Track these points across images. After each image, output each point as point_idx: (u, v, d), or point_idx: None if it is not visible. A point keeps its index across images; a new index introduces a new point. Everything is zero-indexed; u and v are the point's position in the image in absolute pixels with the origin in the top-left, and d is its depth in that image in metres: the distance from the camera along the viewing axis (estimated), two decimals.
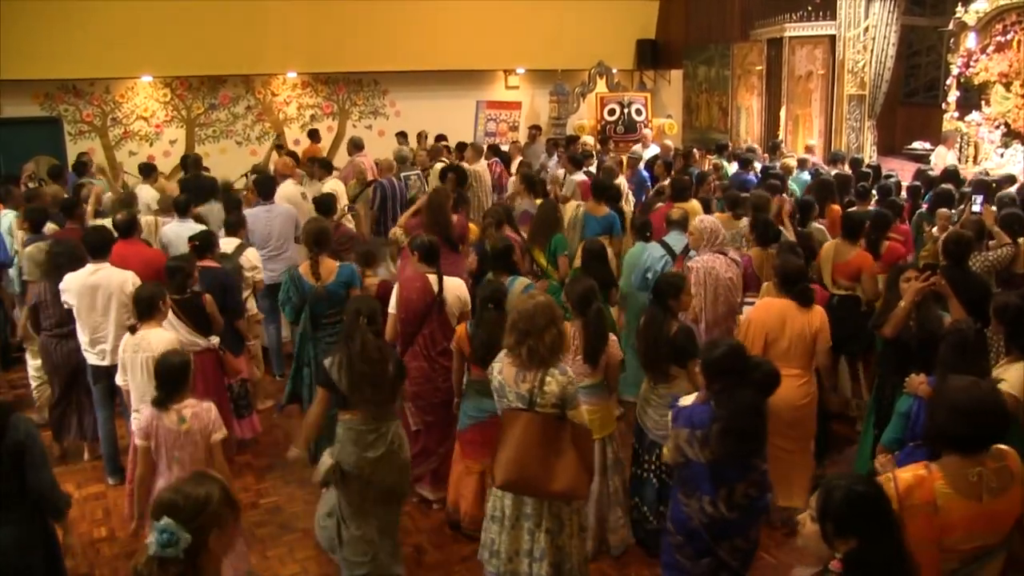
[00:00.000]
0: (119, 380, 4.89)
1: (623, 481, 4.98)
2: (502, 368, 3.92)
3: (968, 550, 2.81)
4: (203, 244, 6.16)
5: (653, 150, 12.40)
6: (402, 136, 13.48)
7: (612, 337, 4.75)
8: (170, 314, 5.23)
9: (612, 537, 4.92)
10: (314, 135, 13.57)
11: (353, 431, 4.25)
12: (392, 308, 5.32)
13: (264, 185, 7.96)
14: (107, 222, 6.82)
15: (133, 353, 4.74)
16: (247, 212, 7.63)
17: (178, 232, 7.07)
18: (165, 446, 3.99)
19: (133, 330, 4.78)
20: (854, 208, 7.84)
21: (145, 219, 7.82)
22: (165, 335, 4.74)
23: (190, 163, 10.91)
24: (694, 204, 7.77)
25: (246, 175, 11.13)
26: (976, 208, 7.56)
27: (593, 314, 4.63)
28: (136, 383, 4.76)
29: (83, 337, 5.61)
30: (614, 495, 4.89)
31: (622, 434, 5.31)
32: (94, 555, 5.08)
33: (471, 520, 5.02)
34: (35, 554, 3.62)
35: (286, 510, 5.53)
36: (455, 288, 5.42)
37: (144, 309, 4.75)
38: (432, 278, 5.36)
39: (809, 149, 11.81)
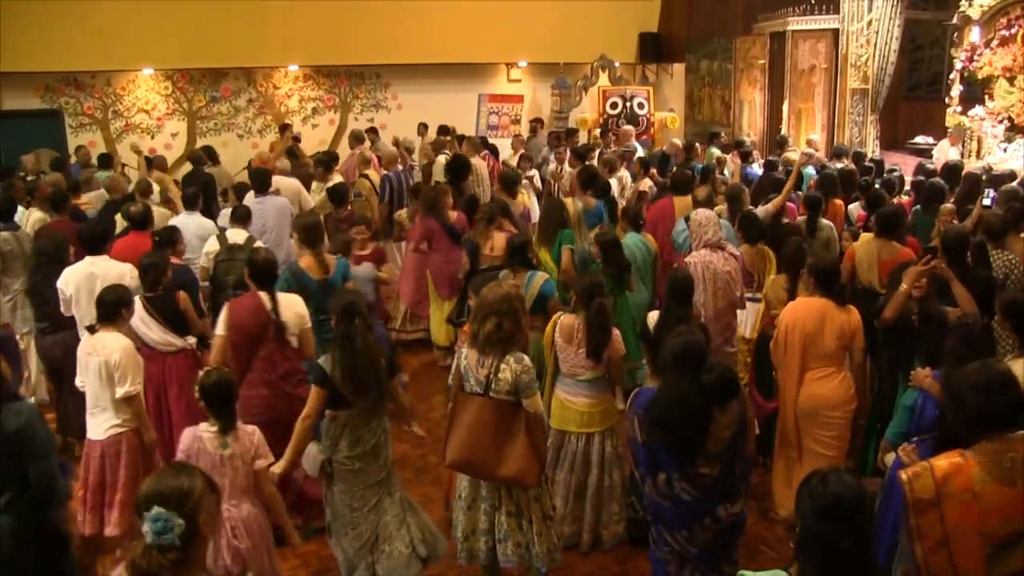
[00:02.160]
0: (77, 381, 4.69)
1: (623, 476, 4.97)
2: (467, 353, 4.05)
3: (1003, 535, 2.83)
4: (164, 240, 6.04)
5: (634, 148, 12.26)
6: (373, 132, 13.31)
7: (616, 332, 4.75)
8: (144, 313, 5.17)
9: (605, 532, 4.94)
10: (284, 130, 13.16)
11: (345, 428, 4.23)
12: (221, 330, 4.95)
13: (258, 177, 7.92)
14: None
15: (87, 356, 4.57)
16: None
17: (186, 224, 7.10)
18: (205, 471, 3.88)
19: (92, 330, 4.63)
20: (854, 204, 7.83)
21: (159, 211, 7.86)
22: (120, 340, 4.56)
23: (202, 156, 10.84)
24: (689, 200, 7.75)
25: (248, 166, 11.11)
26: (987, 202, 7.54)
27: (595, 309, 4.61)
28: (90, 387, 4.59)
29: (83, 330, 5.58)
30: (612, 490, 4.90)
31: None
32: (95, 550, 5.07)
33: None
34: (29, 546, 3.60)
35: (285, 503, 5.50)
36: (292, 306, 5.06)
37: (106, 312, 4.57)
38: (265, 297, 4.99)
39: (811, 144, 11.75)
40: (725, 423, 3.71)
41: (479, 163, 10.33)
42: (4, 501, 3.48)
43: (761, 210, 7.04)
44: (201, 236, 7.09)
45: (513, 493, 4.05)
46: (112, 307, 4.57)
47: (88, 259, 5.60)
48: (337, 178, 9.84)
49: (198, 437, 3.90)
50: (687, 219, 7.13)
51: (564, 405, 4.82)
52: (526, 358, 3.99)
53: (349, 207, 8.38)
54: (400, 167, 10.31)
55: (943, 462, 2.86)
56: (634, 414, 3.84)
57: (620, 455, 4.95)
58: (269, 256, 5.17)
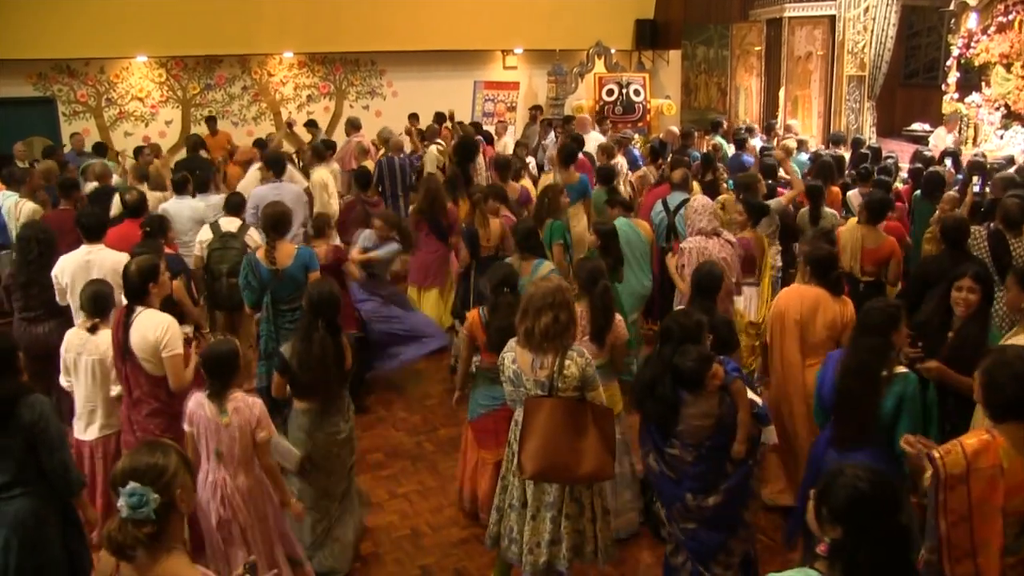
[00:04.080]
0: (63, 381, 4.61)
1: (631, 463, 4.93)
2: (515, 357, 3.91)
3: None
4: (154, 229, 5.96)
5: (595, 138, 12.18)
6: (313, 126, 13.24)
7: (619, 317, 4.70)
8: None
9: (618, 520, 4.84)
10: (211, 122, 12.94)
11: (308, 418, 4.23)
12: None
13: (275, 163, 7.87)
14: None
15: (77, 355, 4.47)
16: (256, 191, 7.59)
17: (178, 208, 7.09)
18: (205, 436, 3.88)
19: (94, 330, 4.51)
20: (853, 190, 7.82)
21: (154, 194, 7.83)
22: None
23: (190, 145, 10.86)
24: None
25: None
26: (976, 190, 7.55)
27: (599, 293, 4.57)
28: (81, 387, 4.51)
29: (77, 319, 5.55)
30: (622, 477, 4.83)
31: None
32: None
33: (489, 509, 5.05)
34: (51, 526, 3.67)
35: None
36: (146, 329, 4.36)
37: (100, 308, 4.48)
38: (122, 313, 4.49)
39: (789, 128, 11.71)
40: (696, 412, 3.71)
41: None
42: (21, 489, 3.55)
43: (774, 202, 7.02)
44: (195, 219, 7.08)
45: (575, 492, 3.95)
46: (106, 301, 4.50)
47: (85, 247, 5.57)
48: (334, 166, 9.81)
49: (200, 403, 3.90)
50: (664, 201, 7.17)
51: None
52: (586, 351, 3.92)
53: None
54: (402, 154, 10.20)
55: (972, 439, 2.93)
56: None
57: (627, 441, 4.89)
58: (140, 264, 4.53)
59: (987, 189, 7.61)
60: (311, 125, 13.19)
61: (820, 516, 2.44)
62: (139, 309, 4.44)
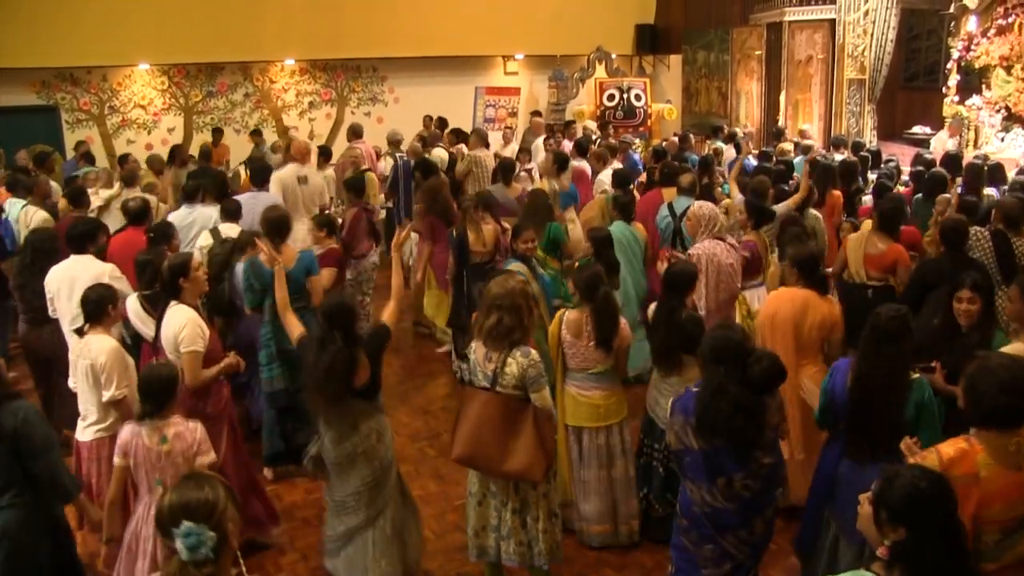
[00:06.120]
0: (70, 382, 4.61)
1: (635, 469, 4.93)
2: (475, 347, 4.09)
3: (1007, 520, 2.85)
4: (159, 236, 5.95)
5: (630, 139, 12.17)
6: (257, 134, 13.32)
7: (623, 321, 4.72)
8: (140, 311, 5.11)
9: (623, 528, 4.87)
10: (217, 134, 13.08)
11: (328, 423, 4.12)
12: None
13: (257, 172, 7.89)
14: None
15: (76, 358, 4.50)
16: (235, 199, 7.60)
17: (183, 218, 7.09)
18: (145, 467, 3.74)
19: (80, 333, 4.51)
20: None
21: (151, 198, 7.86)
22: (107, 343, 4.43)
23: (208, 150, 10.91)
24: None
25: (243, 163, 11.10)
26: (959, 191, 7.56)
27: (601, 299, 4.59)
28: (80, 389, 4.51)
29: (64, 327, 5.56)
30: (628, 483, 4.83)
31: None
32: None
33: None
34: (42, 534, 3.65)
35: (285, 499, 5.53)
36: (171, 323, 4.58)
37: (91, 311, 4.44)
38: (171, 306, 4.71)
39: (803, 133, 11.72)
40: (774, 407, 3.68)
41: (483, 155, 10.33)
42: (9, 498, 3.52)
43: (781, 207, 7.00)
44: (206, 228, 7.04)
45: (520, 489, 4.03)
46: (97, 305, 4.45)
47: (72, 258, 5.58)
48: (328, 171, 9.84)
49: (136, 432, 3.76)
50: (671, 206, 7.17)
51: (577, 400, 4.72)
52: (533, 352, 3.96)
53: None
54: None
55: (949, 448, 2.89)
56: (683, 422, 3.64)
57: (631, 448, 4.89)
58: (172, 260, 4.74)
59: (985, 192, 7.58)
60: (255, 134, 13.22)
61: (879, 519, 2.44)
62: (172, 303, 4.63)
